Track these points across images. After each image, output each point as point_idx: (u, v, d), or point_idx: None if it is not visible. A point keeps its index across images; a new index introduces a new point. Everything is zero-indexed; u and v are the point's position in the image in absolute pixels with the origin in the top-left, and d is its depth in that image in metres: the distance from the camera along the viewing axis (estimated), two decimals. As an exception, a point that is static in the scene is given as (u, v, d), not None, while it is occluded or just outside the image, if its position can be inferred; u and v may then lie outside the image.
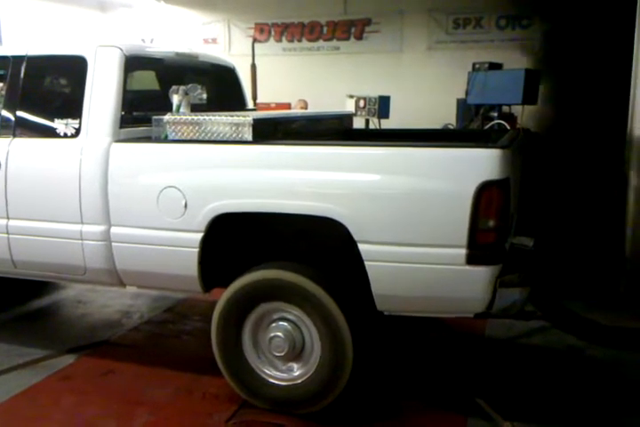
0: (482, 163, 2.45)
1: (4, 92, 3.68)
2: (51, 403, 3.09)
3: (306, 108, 7.93)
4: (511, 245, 2.86)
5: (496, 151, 2.46)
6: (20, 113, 3.36)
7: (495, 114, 6.02)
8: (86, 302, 4.66)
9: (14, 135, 3.34)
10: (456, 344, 3.89)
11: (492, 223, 2.47)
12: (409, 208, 2.54)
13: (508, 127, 5.34)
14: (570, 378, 3.39)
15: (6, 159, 3.28)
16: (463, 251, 2.48)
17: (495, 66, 6.29)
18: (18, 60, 3.39)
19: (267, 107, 7.56)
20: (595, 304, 4.44)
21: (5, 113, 3.40)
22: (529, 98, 5.76)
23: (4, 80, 3.50)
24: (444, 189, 2.48)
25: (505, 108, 6.30)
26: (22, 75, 3.37)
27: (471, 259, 2.48)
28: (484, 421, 2.92)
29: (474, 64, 6.34)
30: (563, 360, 3.62)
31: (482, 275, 2.50)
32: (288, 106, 8.02)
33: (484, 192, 2.42)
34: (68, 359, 3.57)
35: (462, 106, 6.91)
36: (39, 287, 4.74)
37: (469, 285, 2.53)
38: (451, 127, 6.98)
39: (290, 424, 2.88)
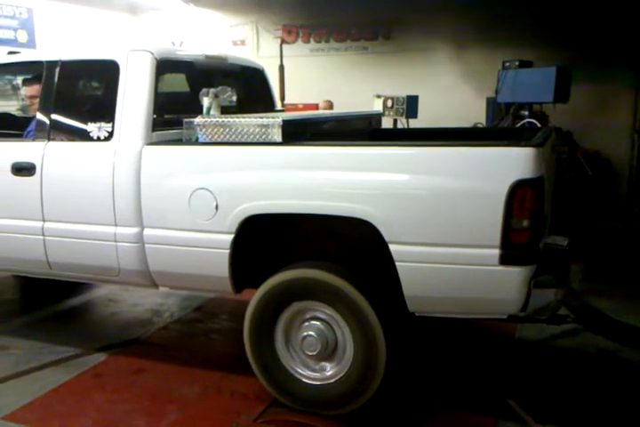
0: (515, 161, 2.41)
1: (27, 94, 3.76)
2: (83, 400, 3.15)
3: (331, 109, 7.92)
4: (545, 244, 2.81)
5: (529, 150, 2.41)
6: (54, 117, 3.42)
7: (526, 112, 5.94)
8: (117, 301, 4.74)
9: (49, 139, 3.40)
10: (487, 346, 3.84)
11: (525, 223, 2.42)
12: (440, 208, 2.51)
13: (539, 126, 5.26)
14: (602, 381, 3.33)
15: (42, 163, 3.34)
16: (496, 251, 2.44)
17: (526, 64, 6.20)
18: (52, 64, 3.45)
19: (294, 108, 7.57)
20: (627, 306, 4.35)
21: (40, 117, 3.46)
22: (560, 96, 5.67)
23: (39, 84, 3.59)
24: (477, 188, 2.45)
25: (536, 107, 6.21)
26: (56, 79, 3.43)
27: (505, 259, 2.44)
28: (515, 423, 2.88)
29: (504, 62, 6.26)
30: (594, 363, 3.56)
31: (516, 275, 2.46)
32: (315, 106, 8.03)
33: (518, 191, 2.38)
34: (100, 357, 3.63)
35: (492, 105, 6.84)
36: (71, 286, 4.83)
37: (503, 285, 2.49)
38: (480, 126, 6.91)
39: (320, 425, 2.87)
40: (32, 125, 3.63)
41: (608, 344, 3.71)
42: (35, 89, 3.76)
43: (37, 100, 3.71)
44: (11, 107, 5.29)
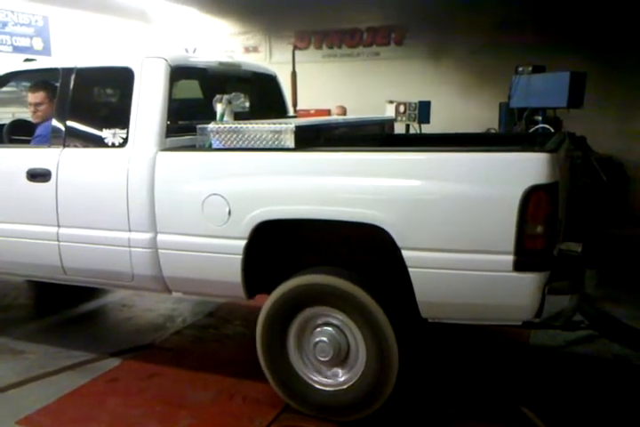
0: (529, 167, 2.39)
1: (32, 101, 3.82)
2: (97, 404, 3.16)
3: (344, 115, 7.94)
4: (559, 250, 2.79)
5: (544, 155, 2.40)
6: (69, 124, 3.45)
7: (540, 118, 5.91)
8: (131, 306, 4.76)
9: (64, 145, 3.43)
10: (500, 352, 3.81)
11: (540, 229, 2.40)
12: (454, 214, 2.50)
13: (553, 131, 5.24)
14: (617, 388, 3.29)
15: (57, 169, 3.37)
16: (510, 257, 2.42)
17: (539, 69, 6.18)
18: (67, 71, 3.49)
19: (306, 113, 7.61)
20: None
21: (56, 124, 3.50)
22: (574, 101, 5.63)
23: (44, 91, 3.64)
24: (490, 194, 2.44)
25: (549, 112, 6.18)
26: (72, 86, 3.46)
27: (519, 265, 2.42)
28: (530, 431, 2.87)
29: (517, 67, 6.24)
30: (609, 370, 3.52)
31: (530, 282, 2.44)
32: (327, 112, 8.06)
33: (532, 197, 2.37)
34: (114, 362, 3.65)
35: (505, 110, 6.82)
36: (86, 292, 4.86)
37: (517, 292, 2.47)
38: (493, 132, 6.89)
39: (333, 431, 2.87)
40: (38, 131, 3.71)
41: (623, 351, 3.67)
42: (39, 96, 3.82)
43: (42, 108, 3.80)
44: (27, 113, 5.35)
